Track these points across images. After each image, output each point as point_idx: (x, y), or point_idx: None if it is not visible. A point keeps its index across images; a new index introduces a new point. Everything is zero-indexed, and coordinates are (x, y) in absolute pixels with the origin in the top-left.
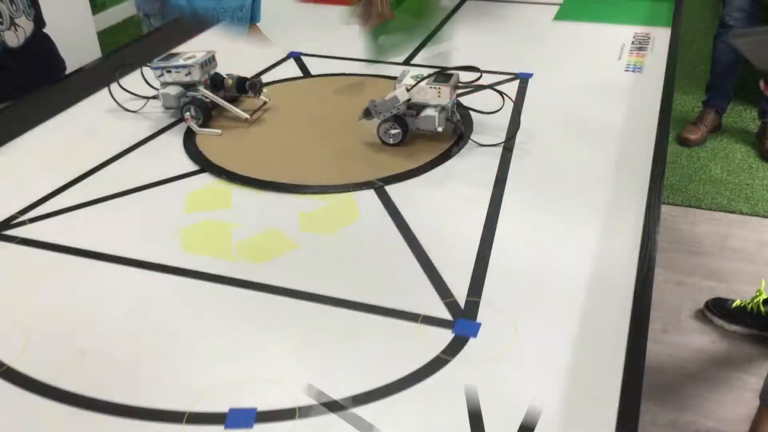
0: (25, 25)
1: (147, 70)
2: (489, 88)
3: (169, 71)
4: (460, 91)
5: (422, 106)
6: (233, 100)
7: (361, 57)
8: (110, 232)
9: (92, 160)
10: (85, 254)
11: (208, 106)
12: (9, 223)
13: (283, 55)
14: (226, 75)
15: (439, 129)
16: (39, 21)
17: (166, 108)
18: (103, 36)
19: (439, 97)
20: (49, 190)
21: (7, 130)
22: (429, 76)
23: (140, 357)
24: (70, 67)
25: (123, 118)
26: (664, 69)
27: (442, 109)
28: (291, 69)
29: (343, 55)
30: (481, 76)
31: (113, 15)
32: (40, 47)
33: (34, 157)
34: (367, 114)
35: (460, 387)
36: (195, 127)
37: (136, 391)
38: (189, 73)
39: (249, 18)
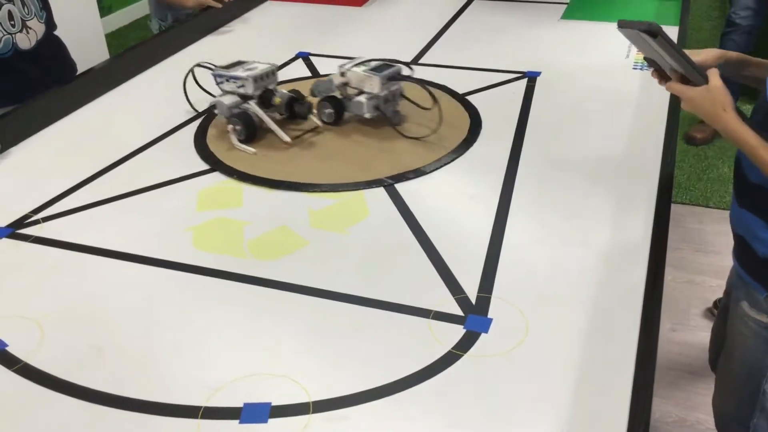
0: (37, 27)
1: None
2: (418, 82)
3: (228, 80)
4: (394, 85)
5: (359, 92)
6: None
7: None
8: (123, 230)
9: (104, 159)
10: (98, 252)
11: (256, 125)
12: (23, 221)
13: (292, 55)
14: (277, 92)
15: (367, 115)
16: (50, 24)
17: (221, 115)
18: (111, 38)
19: (370, 85)
20: (62, 190)
21: (20, 130)
22: (366, 62)
23: (154, 353)
24: (79, 68)
25: (133, 118)
26: None
27: (374, 97)
28: (300, 69)
29: (350, 55)
30: (413, 71)
31: (120, 17)
32: (52, 49)
33: (46, 156)
34: (312, 93)
35: (472, 382)
36: (234, 141)
37: (151, 386)
38: (242, 86)
39: None
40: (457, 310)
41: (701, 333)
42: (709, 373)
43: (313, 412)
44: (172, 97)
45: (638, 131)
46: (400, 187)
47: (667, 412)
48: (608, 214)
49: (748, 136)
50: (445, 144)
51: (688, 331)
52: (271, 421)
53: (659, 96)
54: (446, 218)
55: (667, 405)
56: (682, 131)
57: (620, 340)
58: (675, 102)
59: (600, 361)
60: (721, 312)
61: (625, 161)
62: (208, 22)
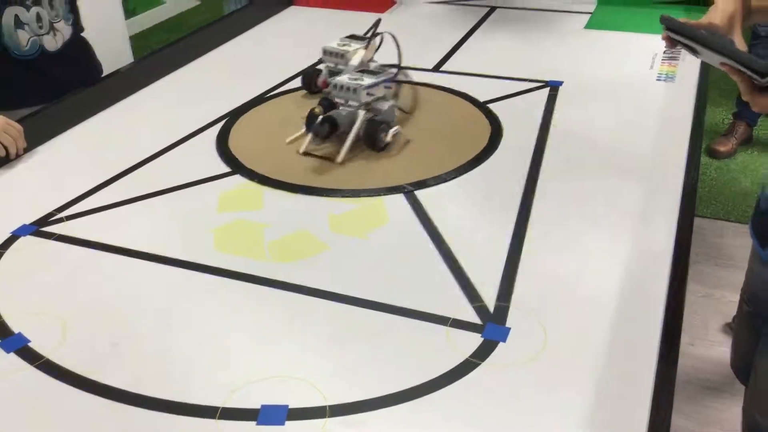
0: (64, 29)
1: None
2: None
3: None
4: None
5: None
6: None
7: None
8: (144, 230)
9: (127, 160)
10: (120, 251)
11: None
12: (47, 220)
13: (315, 61)
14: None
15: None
16: (77, 26)
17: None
18: (135, 40)
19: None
20: (86, 189)
21: (46, 130)
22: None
23: (174, 352)
24: (104, 70)
25: (157, 120)
26: (696, 79)
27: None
28: None
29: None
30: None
31: (144, 20)
32: (78, 52)
33: (71, 156)
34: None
35: (489, 391)
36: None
37: (170, 385)
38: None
39: None
40: (475, 318)
41: (719, 348)
42: (726, 388)
43: (330, 416)
44: (195, 99)
45: (661, 143)
46: (420, 194)
47: (683, 427)
48: (630, 226)
49: None
50: (466, 151)
51: (706, 346)
52: (288, 423)
53: (683, 108)
54: (466, 226)
55: (684, 420)
56: (705, 144)
57: (640, 352)
58: (699, 114)
59: (619, 373)
60: (744, 319)
61: (648, 173)
62: (232, 26)
